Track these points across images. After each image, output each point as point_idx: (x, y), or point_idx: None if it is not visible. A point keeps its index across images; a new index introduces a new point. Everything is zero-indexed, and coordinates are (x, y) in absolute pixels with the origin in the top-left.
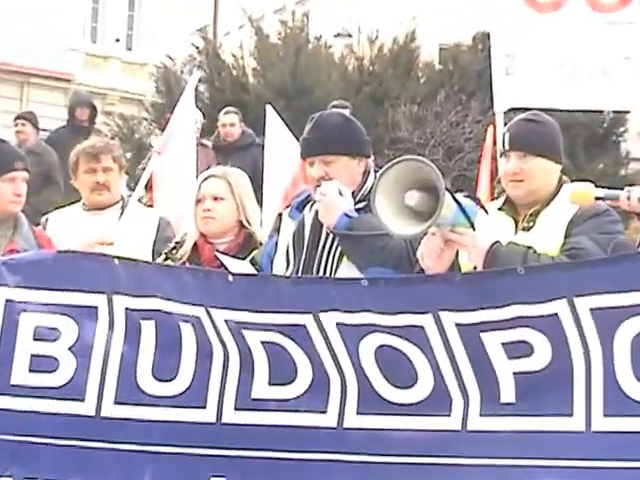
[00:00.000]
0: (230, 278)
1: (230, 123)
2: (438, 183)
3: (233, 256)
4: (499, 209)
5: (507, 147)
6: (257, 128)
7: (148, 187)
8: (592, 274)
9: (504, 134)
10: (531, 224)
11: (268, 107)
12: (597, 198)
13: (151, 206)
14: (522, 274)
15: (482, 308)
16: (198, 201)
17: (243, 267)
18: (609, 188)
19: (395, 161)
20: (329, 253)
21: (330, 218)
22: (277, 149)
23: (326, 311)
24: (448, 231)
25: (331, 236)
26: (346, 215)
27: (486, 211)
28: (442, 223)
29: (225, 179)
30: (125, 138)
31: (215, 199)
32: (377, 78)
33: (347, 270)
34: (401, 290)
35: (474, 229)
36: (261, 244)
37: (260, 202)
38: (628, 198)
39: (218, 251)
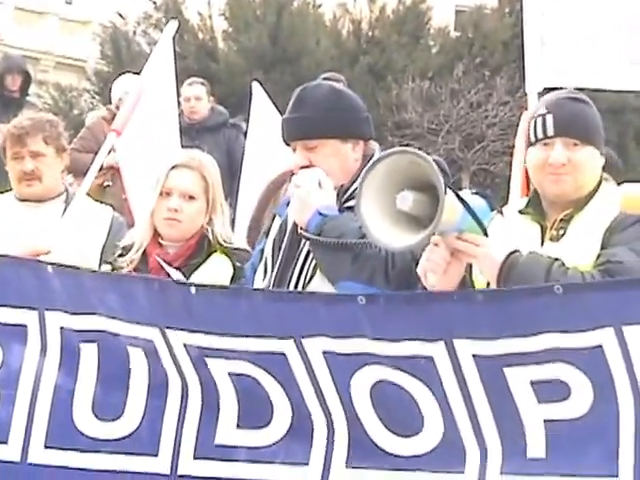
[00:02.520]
0: (193, 290)
1: (195, 96)
2: (436, 181)
3: (180, 267)
4: (521, 212)
5: (551, 132)
6: (227, 106)
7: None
8: None
9: (544, 116)
10: (561, 232)
11: (255, 84)
12: None
13: (95, 199)
14: (560, 293)
15: (507, 336)
16: (162, 194)
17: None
18: None
19: (382, 155)
20: (305, 260)
21: (302, 215)
22: (262, 134)
23: (311, 336)
24: (454, 239)
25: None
26: (320, 213)
27: (501, 212)
28: (446, 230)
29: (200, 172)
30: (61, 113)
31: (185, 197)
32: (378, 46)
33: (320, 283)
34: (406, 311)
35: (486, 235)
36: (222, 246)
37: (235, 197)
38: None
39: (165, 261)
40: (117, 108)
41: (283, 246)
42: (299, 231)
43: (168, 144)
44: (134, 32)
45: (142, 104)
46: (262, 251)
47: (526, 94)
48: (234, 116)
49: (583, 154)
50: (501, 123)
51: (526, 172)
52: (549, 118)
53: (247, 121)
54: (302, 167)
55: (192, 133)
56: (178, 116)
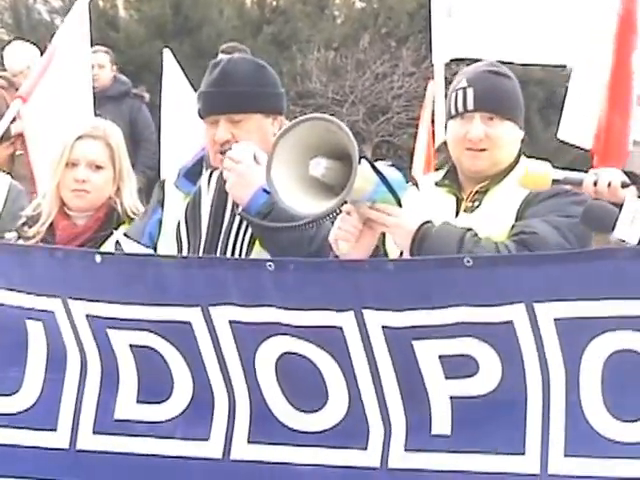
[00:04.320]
0: (97, 258)
1: (99, 64)
2: (351, 149)
3: (88, 239)
4: (437, 184)
5: (471, 106)
6: (126, 75)
7: None
8: (561, 272)
9: (464, 89)
10: (476, 204)
11: (166, 51)
12: (555, 182)
13: (4, 168)
14: (470, 266)
15: (417, 308)
16: (68, 165)
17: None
18: (568, 169)
19: (297, 121)
20: (237, 236)
21: (242, 192)
22: (176, 103)
23: (219, 304)
24: (367, 208)
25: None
26: (265, 191)
27: (417, 185)
28: (359, 199)
29: (105, 141)
30: None
31: (92, 167)
32: (282, 16)
33: (259, 256)
34: (316, 278)
35: (400, 206)
36: (131, 218)
37: (158, 170)
38: (594, 183)
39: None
40: (14, 75)
41: (204, 223)
42: (240, 212)
43: (80, 113)
44: (34, 0)
45: (53, 71)
46: (160, 222)
47: (432, 65)
48: (134, 85)
49: (501, 129)
50: (406, 94)
51: (428, 144)
52: (470, 92)
53: (159, 90)
54: (225, 142)
55: (94, 102)
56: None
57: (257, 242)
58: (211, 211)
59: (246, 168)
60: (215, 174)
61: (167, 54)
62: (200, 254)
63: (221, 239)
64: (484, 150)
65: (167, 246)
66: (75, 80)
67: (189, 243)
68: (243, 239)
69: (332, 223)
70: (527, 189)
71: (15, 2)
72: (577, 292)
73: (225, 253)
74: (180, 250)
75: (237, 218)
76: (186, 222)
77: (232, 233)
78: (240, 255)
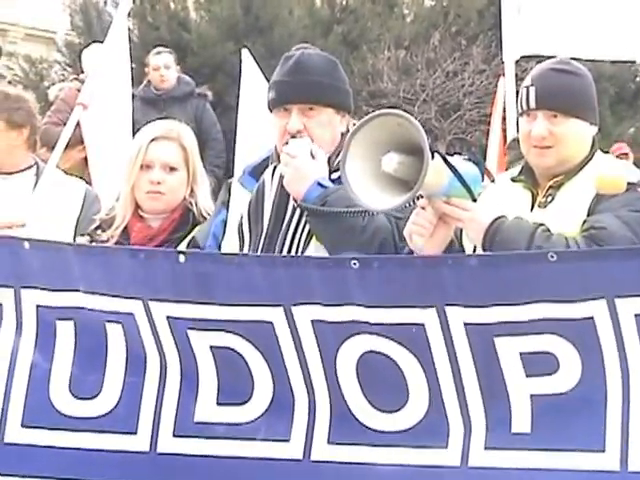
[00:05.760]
0: (181, 258)
1: (165, 65)
2: (422, 143)
3: (164, 241)
4: (513, 180)
5: (533, 105)
6: (200, 76)
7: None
8: None
9: (528, 88)
10: (549, 199)
11: (244, 51)
12: (630, 184)
13: (65, 171)
14: (553, 261)
15: (499, 304)
16: (142, 167)
17: None
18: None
19: (369, 117)
20: (296, 230)
21: (299, 186)
22: (254, 102)
23: (302, 304)
24: (442, 203)
25: (299, 208)
26: (319, 184)
27: (492, 178)
28: (434, 194)
29: (179, 142)
30: (32, 86)
31: (166, 169)
32: (352, 15)
33: (316, 252)
34: (400, 275)
35: (475, 200)
36: (205, 219)
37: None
38: None
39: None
40: None
41: (266, 216)
42: (299, 202)
43: (123, 116)
44: (105, 2)
45: (101, 76)
46: (224, 222)
47: (503, 62)
48: (198, 85)
49: (566, 126)
50: (477, 92)
51: (501, 140)
52: (532, 90)
53: (234, 91)
54: (298, 132)
55: (160, 104)
56: (146, 86)
57: (314, 237)
58: (274, 204)
59: (302, 162)
60: (279, 168)
61: (245, 54)
62: (260, 246)
63: (281, 232)
64: (550, 147)
65: (231, 245)
66: (119, 84)
67: (250, 235)
68: (302, 233)
69: (384, 215)
70: (603, 192)
71: (86, 5)
72: None
73: (283, 245)
74: (242, 242)
75: (298, 212)
76: (249, 214)
77: (292, 227)
78: (297, 249)
